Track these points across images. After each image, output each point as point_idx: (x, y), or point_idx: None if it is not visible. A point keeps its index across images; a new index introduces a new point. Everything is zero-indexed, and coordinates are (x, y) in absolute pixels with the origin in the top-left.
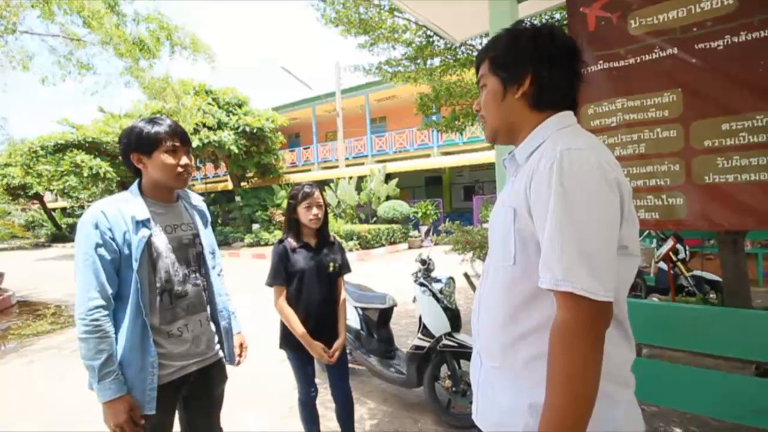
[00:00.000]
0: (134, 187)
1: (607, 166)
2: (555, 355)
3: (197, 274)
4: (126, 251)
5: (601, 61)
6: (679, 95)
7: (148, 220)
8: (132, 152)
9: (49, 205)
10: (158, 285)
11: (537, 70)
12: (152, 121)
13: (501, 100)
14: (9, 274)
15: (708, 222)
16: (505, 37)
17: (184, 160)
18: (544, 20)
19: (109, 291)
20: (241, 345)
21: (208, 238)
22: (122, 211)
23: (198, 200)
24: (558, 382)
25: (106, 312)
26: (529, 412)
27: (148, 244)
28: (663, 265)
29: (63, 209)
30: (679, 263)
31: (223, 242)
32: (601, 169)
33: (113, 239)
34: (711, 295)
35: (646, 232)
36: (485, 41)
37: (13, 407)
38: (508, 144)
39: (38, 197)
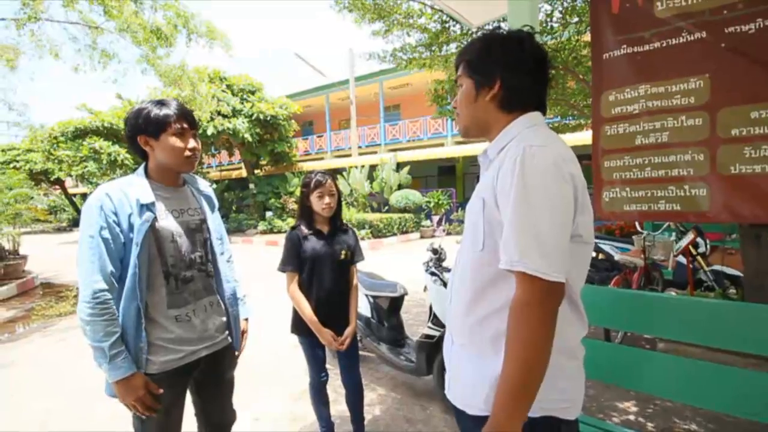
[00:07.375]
0: (140, 169)
1: (562, 162)
2: (510, 329)
3: (205, 259)
4: (131, 235)
5: (624, 46)
6: (707, 81)
7: (152, 203)
8: (139, 134)
9: (70, 191)
10: (165, 269)
11: (505, 76)
12: (160, 103)
13: (474, 101)
14: (32, 256)
15: (732, 214)
16: (479, 43)
17: (192, 143)
18: (565, 4)
19: (114, 274)
20: (243, 332)
21: (215, 223)
22: (127, 194)
23: (205, 185)
24: (512, 352)
25: (110, 295)
26: (491, 385)
27: (153, 228)
28: (682, 259)
29: (83, 194)
30: (698, 257)
31: (237, 229)
32: (556, 165)
33: (118, 223)
34: (731, 290)
35: (665, 225)
36: (504, 25)
37: (37, 383)
38: (479, 138)
39: (59, 182)
